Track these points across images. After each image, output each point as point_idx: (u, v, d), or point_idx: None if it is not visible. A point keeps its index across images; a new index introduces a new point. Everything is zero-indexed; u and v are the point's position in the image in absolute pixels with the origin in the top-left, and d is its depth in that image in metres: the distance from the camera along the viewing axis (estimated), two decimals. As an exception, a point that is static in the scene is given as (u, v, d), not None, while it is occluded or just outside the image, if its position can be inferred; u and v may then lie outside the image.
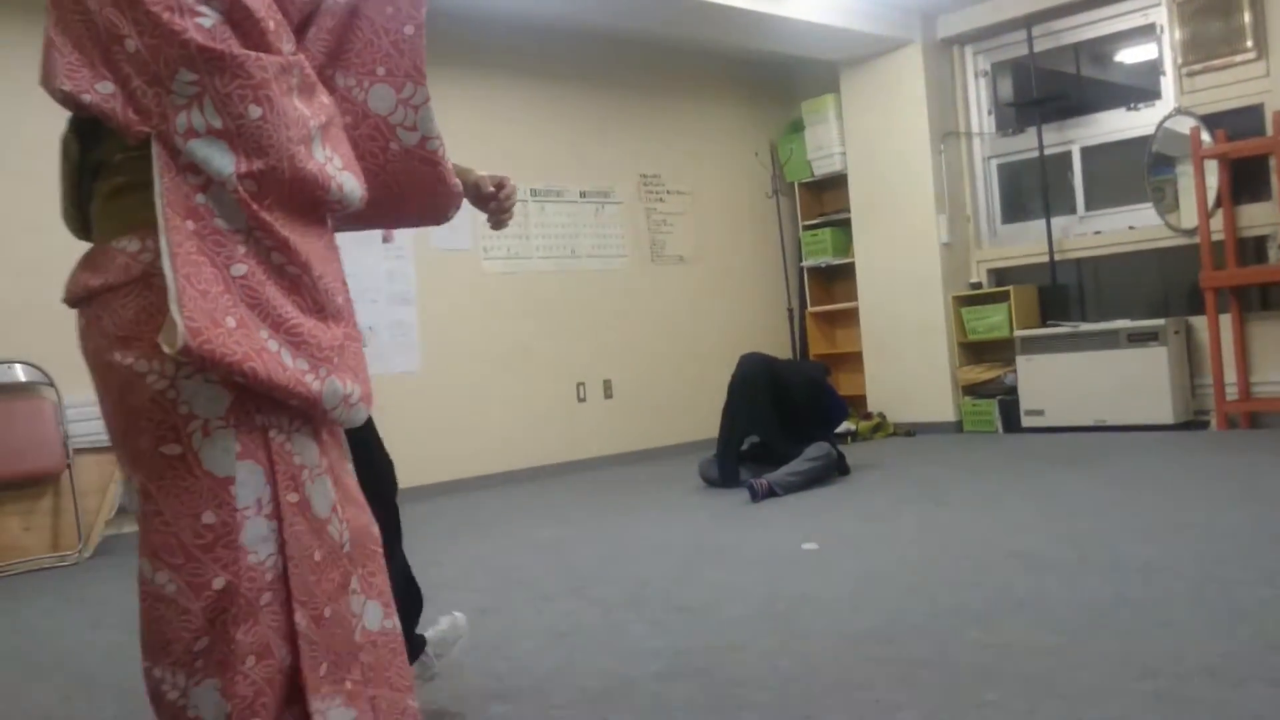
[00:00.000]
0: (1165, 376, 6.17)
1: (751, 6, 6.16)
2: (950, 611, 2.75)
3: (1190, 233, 6.28)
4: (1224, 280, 6.04)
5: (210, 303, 1.26)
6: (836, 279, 7.94)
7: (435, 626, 2.41)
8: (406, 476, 2.38)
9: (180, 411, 1.32)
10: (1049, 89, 6.96)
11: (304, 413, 1.38)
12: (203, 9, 1.28)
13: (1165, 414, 6.17)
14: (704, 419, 6.90)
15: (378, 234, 4.00)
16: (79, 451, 4.82)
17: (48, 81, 1.33)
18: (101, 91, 1.29)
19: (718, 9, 6.09)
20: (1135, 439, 5.97)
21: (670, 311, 7.29)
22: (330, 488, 1.42)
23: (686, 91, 7.53)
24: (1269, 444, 5.43)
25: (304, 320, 1.35)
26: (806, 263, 7.91)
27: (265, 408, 1.36)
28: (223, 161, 1.29)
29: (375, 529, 1.49)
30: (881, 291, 7.42)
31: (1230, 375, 6.10)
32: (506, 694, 2.40)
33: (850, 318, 7.75)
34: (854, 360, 7.70)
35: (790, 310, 7.93)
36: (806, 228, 7.93)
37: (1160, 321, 6.25)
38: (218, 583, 1.32)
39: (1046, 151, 6.88)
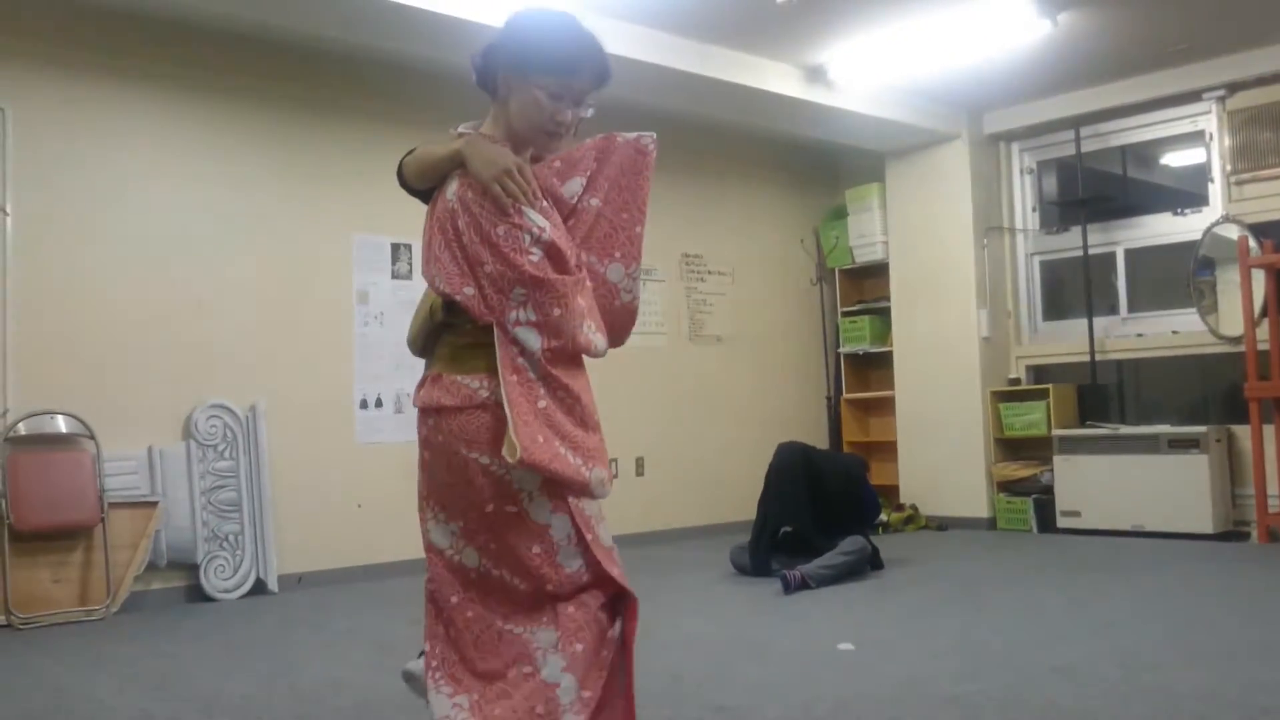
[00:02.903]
0: (1206, 485, 6.08)
1: (801, 96, 6.23)
2: (994, 729, 2.69)
3: (1234, 340, 6.23)
4: (1268, 391, 5.97)
5: (529, 427, 1.96)
6: (873, 366, 7.92)
7: None
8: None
9: (514, 487, 2.03)
10: (1095, 189, 6.97)
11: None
12: (533, 250, 1.99)
13: (1205, 523, 6.07)
14: (736, 501, 6.85)
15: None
16: (114, 505, 4.83)
17: (432, 281, 2.05)
18: (467, 293, 2.01)
19: (768, 97, 6.17)
20: (1174, 547, 5.87)
21: (706, 391, 7.28)
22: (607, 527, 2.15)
23: (732, 174, 7.60)
24: (1313, 561, 5.32)
25: (577, 432, 2.03)
26: (844, 349, 7.90)
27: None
28: (534, 342, 1.99)
29: None
30: (918, 382, 7.38)
31: (1273, 486, 6.00)
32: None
33: (885, 406, 7.71)
34: (887, 449, 7.65)
35: (829, 398, 7.91)
36: (845, 314, 7.93)
37: (1201, 429, 6.18)
38: (549, 586, 2.05)
39: (1090, 251, 6.87)
